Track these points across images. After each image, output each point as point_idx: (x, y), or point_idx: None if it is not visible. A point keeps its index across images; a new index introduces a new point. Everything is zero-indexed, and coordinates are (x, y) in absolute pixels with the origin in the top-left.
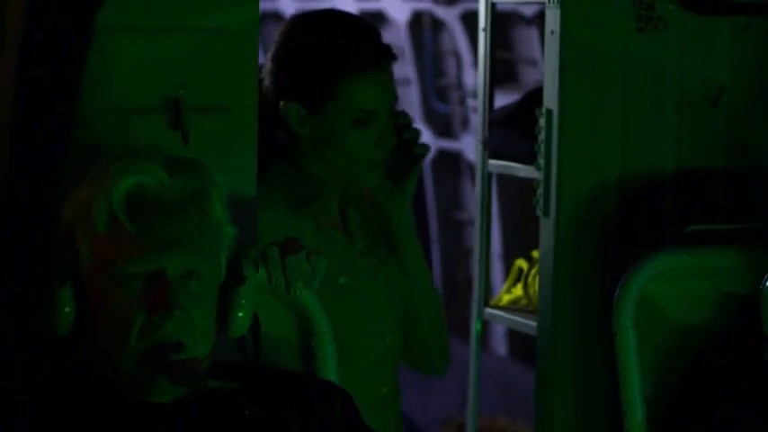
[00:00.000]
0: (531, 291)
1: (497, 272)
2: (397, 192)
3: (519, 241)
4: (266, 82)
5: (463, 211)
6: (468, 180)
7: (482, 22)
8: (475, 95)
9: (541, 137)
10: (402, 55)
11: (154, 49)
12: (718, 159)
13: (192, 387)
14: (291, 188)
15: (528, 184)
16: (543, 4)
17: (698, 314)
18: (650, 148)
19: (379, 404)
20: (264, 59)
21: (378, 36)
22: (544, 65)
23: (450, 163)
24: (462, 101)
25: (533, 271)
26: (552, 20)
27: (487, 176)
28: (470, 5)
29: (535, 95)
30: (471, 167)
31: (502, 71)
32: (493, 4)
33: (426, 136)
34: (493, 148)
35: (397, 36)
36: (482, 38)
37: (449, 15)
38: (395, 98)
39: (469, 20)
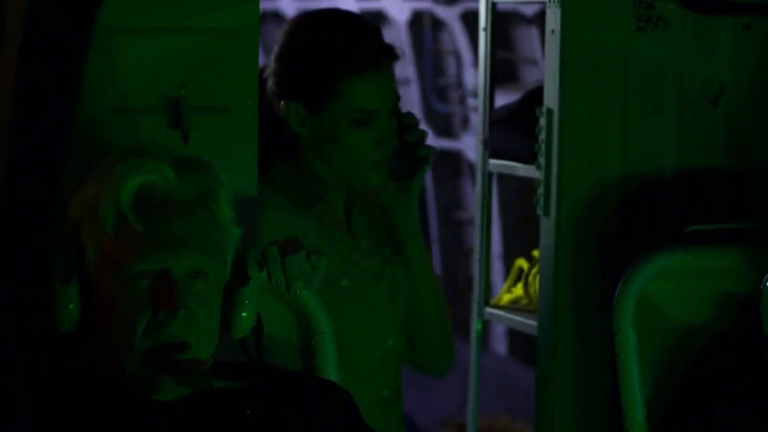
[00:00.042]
0: (531, 290)
1: (498, 271)
2: (402, 193)
3: (519, 241)
4: (269, 82)
5: (463, 211)
6: (469, 180)
7: (482, 21)
8: (475, 95)
9: (542, 136)
10: (402, 55)
11: (154, 49)
12: (719, 159)
13: (197, 387)
14: (295, 187)
15: (528, 183)
16: (544, 3)
17: (698, 314)
18: (650, 147)
19: (380, 406)
20: (267, 59)
21: (379, 35)
22: (544, 64)
23: (451, 162)
24: (462, 100)
25: (534, 270)
26: (553, 19)
27: (488, 176)
28: (471, 5)
29: (535, 95)
30: (471, 167)
31: (502, 71)
32: (493, 4)
33: None
34: (493, 147)
35: (397, 36)
36: (482, 37)
37: (449, 15)
38: (396, 98)
39: (470, 19)
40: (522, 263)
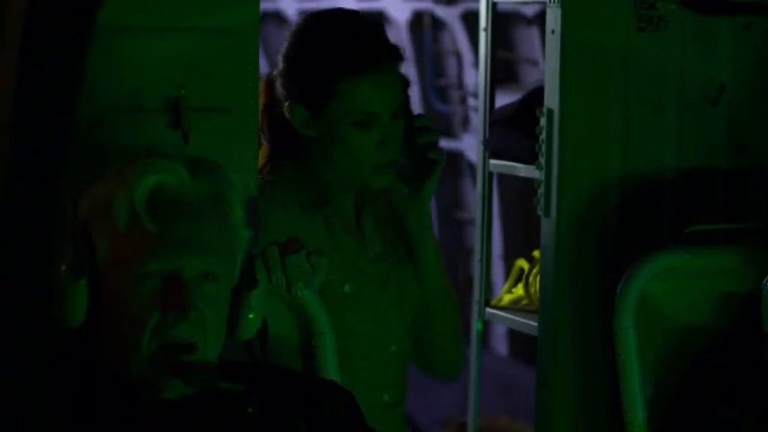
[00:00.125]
0: (531, 290)
1: (498, 272)
2: (414, 195)
3: (520, 241)
4: (278, 82)
5: (464, 211)
6: (469, 180)
7: (483, 21)
8: (475, 95)
9: (542, 136)
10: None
11: (154, 49)
12: (719, 159)
13: (205, 388)
14: (302, 188)
15: (529, 183)
16: (544, 3)
17: (698, 314)
18: (651, 147)
19: (379, 410)
20: (277, 59)
21: (382, 36)
22: (545, 64)
23: (451, 163)
24: (463, 101)
25: (534, 271)
26: (553, 19)
27: (488, 176)
28: (471, 5)
29: (536, 95)
30: (472, 167)
31: (503, 71)
32: (494, 4)
33: None
34: (494, 147)
35: (397, 36)
36: (483, 37)
37: (449, 15)
38: (400, 100)
39: (470, 19)
40: (522, 263)
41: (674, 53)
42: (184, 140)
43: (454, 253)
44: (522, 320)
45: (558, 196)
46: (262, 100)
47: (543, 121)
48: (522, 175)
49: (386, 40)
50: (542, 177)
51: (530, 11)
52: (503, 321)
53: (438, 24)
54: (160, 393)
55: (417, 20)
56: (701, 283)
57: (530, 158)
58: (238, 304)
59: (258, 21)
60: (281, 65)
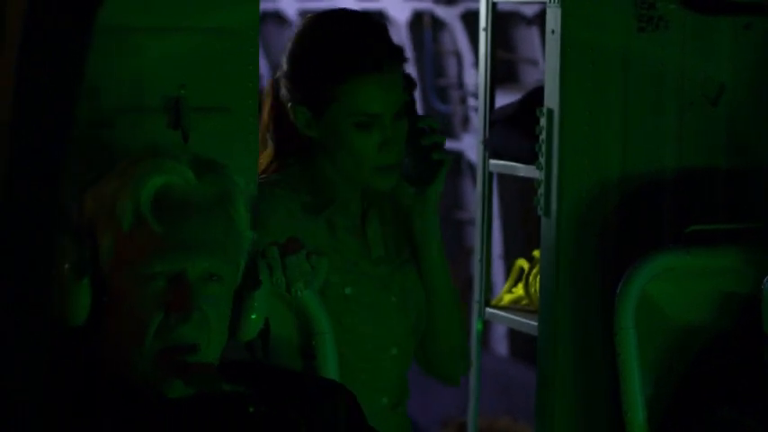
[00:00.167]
0: (531, 290)
1: (498, 272)
2: (419, 197)
3: (520, 241)
4: (281, 84)
5: (464, 211)
6: (469, 180)
7: (483, 21)
8: (475, 95)
9: (542, 136)
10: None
11: (154, 49)
12: (719, 159)
13: (208, 389)
14: (306, 189)
15: (529, 183)
16: (544, 3)
17: (698, 314)
18: (651, 147)
19: (377, 413)
20: (280, 60)
21: (384, 37)
22: (545, 65)
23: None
24: (463, 101)
25: (534, 271)
26: (553, 19)
27: (488, 176)
28: (471, 5)
29: (536, 95)
30: (472, 167)
31: (503, 71)
32: (494, 4)
33: None
34: (493, 147)
35: (397, 36)
36: (483, 37)
37: (449, 15)
38: (403, 101)
39: (470, 19)
40: (522, 263)
41: (674, 53)
42: (184, 140)
43: (454, 253)
44: (522, 320)
45: (558, 196)
46: (268, 100)
47: (543, 121)
48: (522, 175)
49: (388, 40)
50: (542, 177)
51: (530, 11)
52: (503, 321)
53: (438, 24)
54: (162, 394)
55: (417, 20)
56: (701, 283)
57: (530, 158)
58: (241, 305)
59: (258, 21)
60: (284, 66)
